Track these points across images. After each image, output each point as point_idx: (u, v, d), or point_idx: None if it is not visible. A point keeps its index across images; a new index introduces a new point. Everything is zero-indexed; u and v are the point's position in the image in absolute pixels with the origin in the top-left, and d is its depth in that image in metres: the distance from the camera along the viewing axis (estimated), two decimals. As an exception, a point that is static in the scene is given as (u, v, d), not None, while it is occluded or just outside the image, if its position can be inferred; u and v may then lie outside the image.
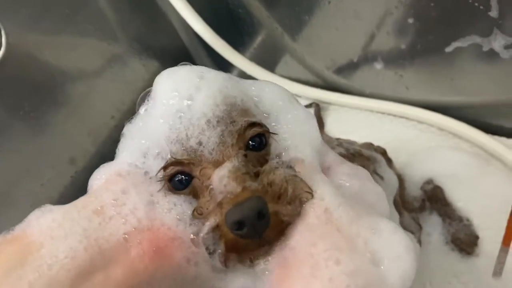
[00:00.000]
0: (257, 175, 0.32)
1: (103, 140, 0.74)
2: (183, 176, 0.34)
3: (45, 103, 0.67)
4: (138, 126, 0.36)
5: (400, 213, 0.55)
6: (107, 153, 0.73)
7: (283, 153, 0.35)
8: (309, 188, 0.32)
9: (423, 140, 0.73)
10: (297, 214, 0.31)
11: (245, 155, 0.33)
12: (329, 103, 0.81)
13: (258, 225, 0.29)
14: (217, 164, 0.32)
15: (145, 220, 0.33)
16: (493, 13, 0.57)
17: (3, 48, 0.59)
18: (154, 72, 0.82)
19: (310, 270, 0.29)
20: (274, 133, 0.35)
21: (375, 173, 0.53)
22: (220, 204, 0.30)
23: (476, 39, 0.61)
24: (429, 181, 0.65)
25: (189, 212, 0.33)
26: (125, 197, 0.33)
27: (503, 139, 0.70)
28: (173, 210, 0.33)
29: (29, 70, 0.65)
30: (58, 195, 0.67)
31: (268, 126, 0.35)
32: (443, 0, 0.60)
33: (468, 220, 0.62)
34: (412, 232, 0.55)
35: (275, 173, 0.32)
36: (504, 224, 0.50)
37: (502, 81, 0.65)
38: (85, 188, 0.73)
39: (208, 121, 0.33)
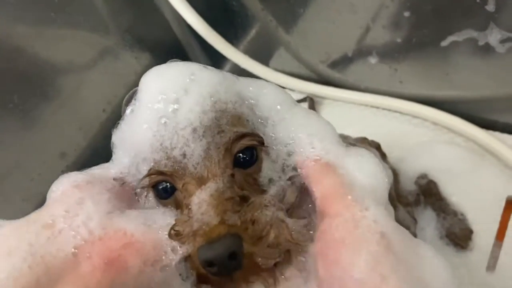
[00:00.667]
0: (243, 199, 0.30)
1: (94, 134, 0.73)
2: (168, 184, 0.32)
3: (35, 96, 0.66)
4: (124, 130, 0.34)
5: (395, 207, 0.54)
6: (98, 147, 0.73)
7: (286, 159, 0.33)
8: (292, 238, 0.29)
9: (418, 135, 0.73)
10: (277, 259, 0.29)
11: (232, 175, 0.31)
12: (323, 97, 0.81)
13: (229, 265, 0.28)
14: (201, 181, 0.30)
15: (97, 230, 0.31)
16: (490, 7, 0.56)
17: (-9, 38, 0.58)
18: (146, 65, 0.82)
19: None
20: (265, 146, 0.33)
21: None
22: (194, 235, 0.29)
23: (472, 33, 0.61)
24: (423, 176, 0.65)
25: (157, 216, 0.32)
26: (78, 207, 0.31)
27: (498, 133, 0.70)
28: (139, 216, 0.32)
29: (18, 63, 0.63)
30: (48, 190, 0.67)
31: (263, 134, 0.33)
32: (439, -7, 0.60)
33: (462, 214, 0.62)
34: (407, 226, 0.55)
35: (262, 212, 0.30)
36: (498, 218, 0.50)
37: (497, 76, 0.65)
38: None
39: (194, 130, 0.31)
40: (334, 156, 0.32)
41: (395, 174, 0.62)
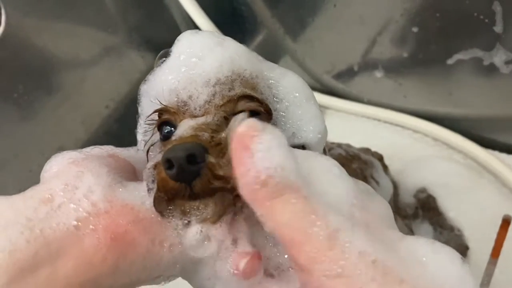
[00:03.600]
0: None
1: (95, 129, 0.73)
2: (169, 128, 0.33)
3: (40, 88, 0.66)
4: (150, 81, 0.36)
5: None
6: (98, 142, 0.72)
7: (289, 137, 0.34)
8: None
9: (418, 149, 0.73)
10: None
11: (225, 118, 0.32)
12: (326, 107, 0.81)
13: (187, 169, 0.28)
14: (195, 118, 0.32)
15: (101, 202, 0.29)
16: (498, 28, 0.57)
17: (2, 28, 0.58)
18: (151, 65, 0.81)
19: None
20: (271, 118, 0.34)
21: (371, 178, 0.53)
22: (166, 145, 0.30)
23: (478, 52, 0.62)
24: (423, 190, 0.65)
25: None
26: (78, 180, 0.30)
27: (496, 153, 0.71)
28: (142, 187, 0.31)
29: (26, 53, 0.64)
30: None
31: (274, 110, 0.34)
32: (449, 11, 0.61)
33: (459, 230, 0.63)
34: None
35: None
36: (493, 236, 0.51)
37: (500, 96, 0.66)
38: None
39: (207, 81, 0.33)
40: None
41: (395, 186, 0.62)
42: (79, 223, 0.28)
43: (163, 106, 0.33)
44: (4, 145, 0.63)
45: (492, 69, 0.61)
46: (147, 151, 0.35)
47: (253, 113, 0.32)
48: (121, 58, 0.77)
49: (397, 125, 0.76)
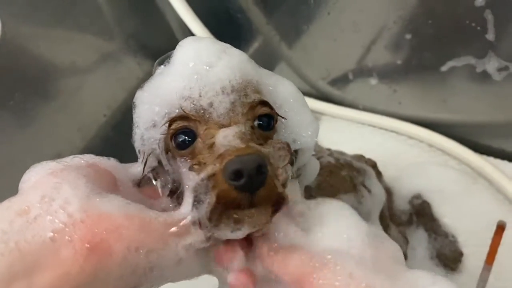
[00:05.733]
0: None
1: (92, 136, 0.73)
2: (186, 137, 0.33)
3: (36, 95, 0.66)
4: (151, 87, 0.36)
5: (387, 226, 0.55)
6: (95, 149, 0.73)
7: (291, 144, 0.36)
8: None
9: (413, 155, 0.74)
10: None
11: (252, 127, 0.33)
12: (322, 113, 0.82)
13: (255, 179, 0.29)
14: (224, 126, 0.32)
15: (78, 213, 0.29)
16: (490, 36, 0.58)
17: (-2, 36, 0.59)
18: (148, 72, 0.82)
19: None
20: (283, 117, 0.35)
21: (362, 185, 0.53)
22: (221, 155, 0.30)
23: (471, 60, 0.62)
24: (417, 196, 0.65)
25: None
26: (55, 192, 0.30)
27: (491, 158, 0.71)
28: (121, 200, 0.31)
29: (22, 61, 0.64)
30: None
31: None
32: (442, 18, 0.61)
33: (453, 236, 0.63)
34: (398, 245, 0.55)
35: (279, 150, 0.32)
36: (488, 242, 0.51)
37: (493, 103, 0.66)
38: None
39: (223, 88, 0.33)
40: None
41: (389, 193, 0.62)
42: (55, 235, 0.28)
43: (184, 113, 0.33)
44: (1, 152, 0.63)
45: (485, 76, 0.62)
46: (145, 162, 0.35)
47: (267, 116, 0.34)
48: (118, 65, 0.78)
49: (392, 131, 0.77)
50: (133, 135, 0.36)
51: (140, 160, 0.36)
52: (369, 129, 0.78)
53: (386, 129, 0.77)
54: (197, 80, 0.33)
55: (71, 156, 0.35)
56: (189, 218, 0.31)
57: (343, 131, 0.79)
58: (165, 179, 0.35)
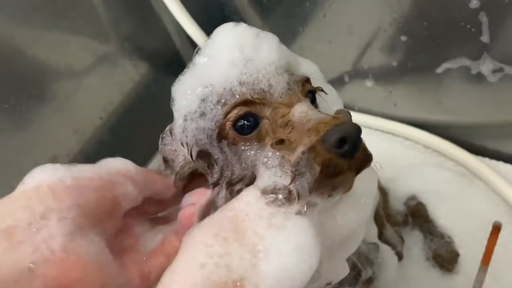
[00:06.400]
0: None
1: (88, 139, 0.73)
2: (248, 121, 0.34)
3: (32, 98, 0.66)
4: (193, 77, 0.36)
5: (383, 226, 0.55)
6: (91, 152, 0.73)
7: None
8: None
9: (409, 157, 0.74)
10: None
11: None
12: (318, 115, 0.81)
13: (358, 143, 0.30)
14: (289, 105, 0.33)
15: (59, 251, 0.30)
16: (484, 38, 0.58)
17: (-7, 39, 0.58)
18: (144, 74, 0.82)
19: None
20: (324, 92, 0.37)
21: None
22: (314, 129, 0.31)
23: (466, 61, 0.62)
24: (413, 197, 0.66)
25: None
26: (42, 223, 0.30)
27: (487, 159, 0.71)
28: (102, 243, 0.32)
29: (17, 64, 0.63)
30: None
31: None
32: (437, 20, 0.61)
33: (449, 237, 0.63)
34: (394, 245, 0.55)
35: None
36: (484, 243, 0.51)
37: (488, 104, 0.67)
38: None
39: (277, 68, 0.35)
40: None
41: (385, 193, 0.62)
42: (34, 266, 0.29)
43: (248, 98, 0.34)
44: (-3, 154, 0.63)
45: (480, 77, 0.62)
46: (190, 154, 0.36)
47: (312, 92, 0.36)
48: (114, 67, 0.77)
49: (388, 132, 0.77)
50: (172, 128, 0.37)
51: (184, 153, 0.37)
52: (365, 131, 0.76)
53: (382, 131, 0.77)
54: (249, 64, 0.34)
55: (103, 161, 0.36)
56: (280, 195, 0.31)
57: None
58: (211, 169, 0.36)
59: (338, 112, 0.34)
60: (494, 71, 0.61)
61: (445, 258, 0.61)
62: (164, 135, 0.39)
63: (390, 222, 0.59)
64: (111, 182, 0.35)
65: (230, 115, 0.34)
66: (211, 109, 0.34)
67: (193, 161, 0.37)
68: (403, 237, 0.61)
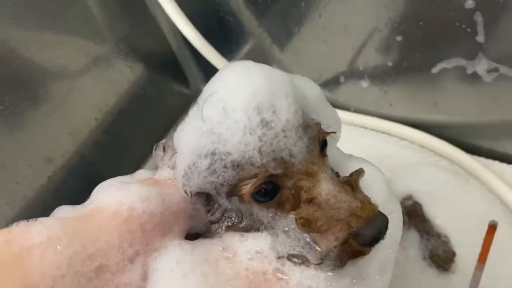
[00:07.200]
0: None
1: (83, 140, 0.73)
2: (265, 189, 0.32)
3: (26, 99, 0.65)
4: (202, 131, 0.33)
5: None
6: (86, 153, 0.73)
7: None
8: None
9: (404, 156, 0.74)
10: None
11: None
12: (313, 115, 0.82)
13: (383, 236, 0.31)
14: (310, 174, 0.32)
15: None
16: (479, 37, 0.58)
17: (-13, 40, 0.58)
18: (139, 75, 0.82)
19: None
20: (334, 132, 0.36)
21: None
22: (345, 221, 0.31)
23: (461, 61, 0.63)
24: (409, 197, 0.66)
25: None
26: (129, 267, 0.31)
27: (482, 159, 0.71)
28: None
29: (11, 65, 0.63)
30: (33, 194, 0.66)
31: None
32: (432, 20, 0.62)
33: (446, 237, 0.63)
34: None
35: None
36: (480, 242, 0.51)
37: (484, 103, 0.67)
38: (62, 188, 0.71)
39: (296, 130, 0.32)
40: None
41: (381, 194, 0.62)
42: None
43: (271, 172, 0.32)
44: (-9, 156, 0.62)
45: (475, 77, 0.62)
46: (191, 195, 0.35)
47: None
48: (109, 68, 0.77)
49: (383, 132, 0.77)
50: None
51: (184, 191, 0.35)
52: (360, 131, 0.78)
53: (377, 131, 0.78)
54: (268, 130, 0.31)
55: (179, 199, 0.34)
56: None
57: (335, 132, 0.79)
58: (211, 207, 0.35)
59: (353, 174, 0.34)
60: (489, 71, 0.61)
61: (441, 258, 0.61)
62: (157, 148, 0.38)
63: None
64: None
65: (248, 181, 0.32)
66: (224, 172, 0.32)
67: (191, 197, 0.35)
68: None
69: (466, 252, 0.62)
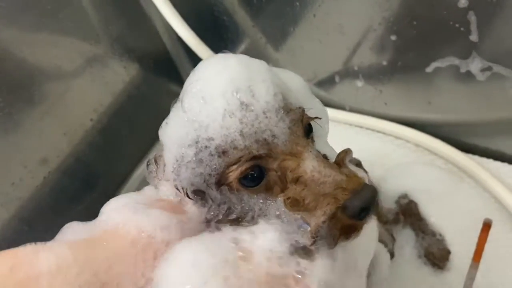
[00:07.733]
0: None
1: (78, 141, 0.73)
2: (254, 174, 0.32)
3: (21, 100, 0.65)
4: (183, 120, 0.34)
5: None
6: (81, 154, 0.72)
7: None
8: None
9: (399, 155, 0.74)
10: None
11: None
12: (309, 115, 0.82)
13: (372, 208, 0.31)
14: (295, 155, 0.32)
15: None
16: (473, 36, 0.59)
17: (-20, 42, 0.58)
18: (134, 75, 0.82)
19: None
20: (319, 118, 0.36)
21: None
22: (332, 195, 0.31)
23: (455, 60, 0.63)
24: (404, 196, 0.66)
25: None
26: None
27: (477, 157, 0.72)
28: None
29: (6, 66, 0.63)
30: (29, 195, 0.66)
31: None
32: (426, 19, 0.62)
33: (440, 235, 0.63)
34: (385, 243, 0.56)
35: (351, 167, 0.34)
36: (475, 240, 0.51)
37: (477, 102, 0.67)
38: (58, 189, 0.71)
39: (277, 112, 0.33)
40: None
41: (376, 192, 0.62)
42: None
43: (255, 154, 0.32)
44: (-15, 158, 0.62)
45: (468, 76, 0.63)
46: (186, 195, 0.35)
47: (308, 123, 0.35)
48: (104, 69, 0.77)
49: (378, 131, 0.77)
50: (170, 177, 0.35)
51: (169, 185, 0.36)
52: (356, 130, 0.79)
53: (372, 130, 0.78)
54: (248, 112, 0.32)
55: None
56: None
57: (330, 132, 0.78)
58: (207, 205, 0.35)
59: (340, 154, 0.34)
60: (483, 70, 0.62)
61: (436, 256, 0.61)
62: (149, 163, 0.38)
63: (381, 221, 0.60)
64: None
65: (233, 167, 0.32)
66: (210, 160, 0.33)
67: (190, 198, 0.35)
68: (394, 236, 0.61)
69: (460, 250, 0.62)
